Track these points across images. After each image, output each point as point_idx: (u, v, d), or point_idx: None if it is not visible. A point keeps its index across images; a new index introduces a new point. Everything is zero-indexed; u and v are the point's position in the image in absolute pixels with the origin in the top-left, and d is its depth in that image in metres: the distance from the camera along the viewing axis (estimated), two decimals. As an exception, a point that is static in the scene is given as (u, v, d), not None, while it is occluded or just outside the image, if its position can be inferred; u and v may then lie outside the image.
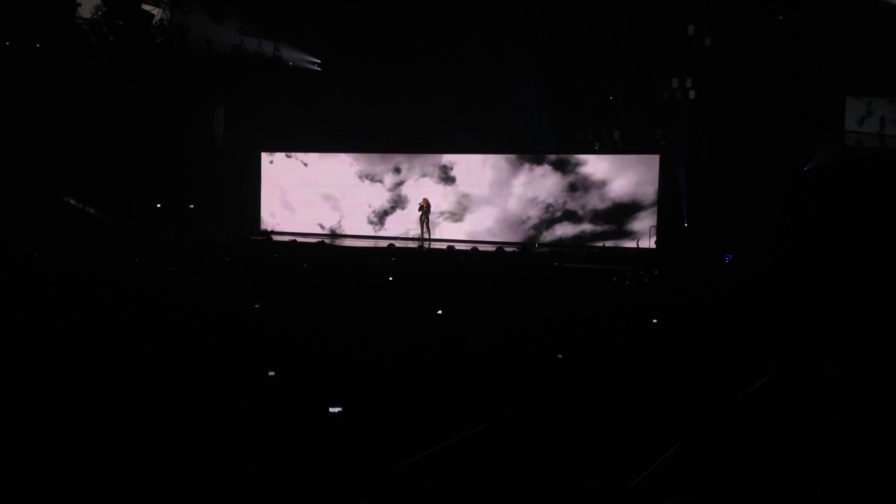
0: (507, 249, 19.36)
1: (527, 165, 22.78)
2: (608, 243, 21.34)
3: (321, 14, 24.70)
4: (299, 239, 22.01)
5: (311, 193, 25.27)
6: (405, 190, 24.16)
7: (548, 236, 22.34)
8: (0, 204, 19.88)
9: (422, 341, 8.09)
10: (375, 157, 24.69)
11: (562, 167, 22.35)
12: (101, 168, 21.97)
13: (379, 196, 24.56)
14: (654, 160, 21.35)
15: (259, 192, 26.12)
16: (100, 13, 21.83)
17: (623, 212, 21.50)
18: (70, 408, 3.74)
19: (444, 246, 20.54)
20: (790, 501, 3.05)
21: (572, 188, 22.18)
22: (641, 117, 22.24)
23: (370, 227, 24.58)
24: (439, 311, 10.12)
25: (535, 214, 22.61)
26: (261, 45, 25.34)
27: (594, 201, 21.90)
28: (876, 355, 4.89)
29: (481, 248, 19.44)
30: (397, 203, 24.30)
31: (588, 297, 12.32)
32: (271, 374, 6.41)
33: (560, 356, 8.08)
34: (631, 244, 20.87)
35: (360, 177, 24.82)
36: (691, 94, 22.29)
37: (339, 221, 25.04)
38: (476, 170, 23.30)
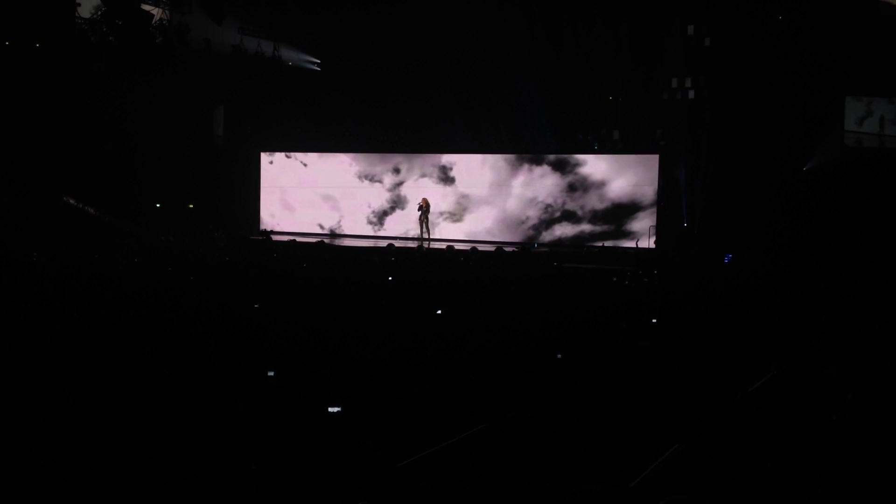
0: (507, 249, 19.35)
1: (526, 166, 22.78)
2: (607, 243, 21.34)
3: (321, 14, 24.70)
4: (299, 239, 22.00)
5: (311, 194, 25.27)
6: (404, 190, 24.16)
7: (547, 236, 22.34)
8: (-1, 204, 19.89)
9: (421, 341, 8.09)
10: (375, 157, 24.69)
11: (561, 167, 22.35)
12: (100, 168, 21.96)
13: (378, 196, 24.56)
14: (652, 160, 21.34)
15: (259, 192, 26.11)
16: (99, 13, 21.83)
17: (622, 212, 21.50)
18: (70, 408, 3.74)
19: (443, 246, 20.54)
20: (790, 501, 3.05)
21: (571, 188, 22.18)
22: (641, 117, 22.24)
23: (370, 227, 24.59)
24: (439, 312, 10.12)
25: (534, 215, 22.61)
26: (260, 45, 25.34)
27: (593, 202, 21.90)
28: (876, 355, 4.89)
29: (481, 248, 19.44)
30: (397, 203, 24.30)
31: (588, 298, 12.32)
32: (271, 374, 6.41)
33: (560, 356, 8.08)
34: (630, 244, 20.87)
35: (360, 177, 24.82)
36: (691, 94, 22.30)
37: (339, 222, 25.04)
38: (475, 170, 23.30)
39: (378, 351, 7.59)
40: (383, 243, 20.25)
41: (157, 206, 23.98)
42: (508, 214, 22.91)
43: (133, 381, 5.32)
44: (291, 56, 26.54)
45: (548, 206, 22.43)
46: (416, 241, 22.25)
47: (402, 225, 23.77)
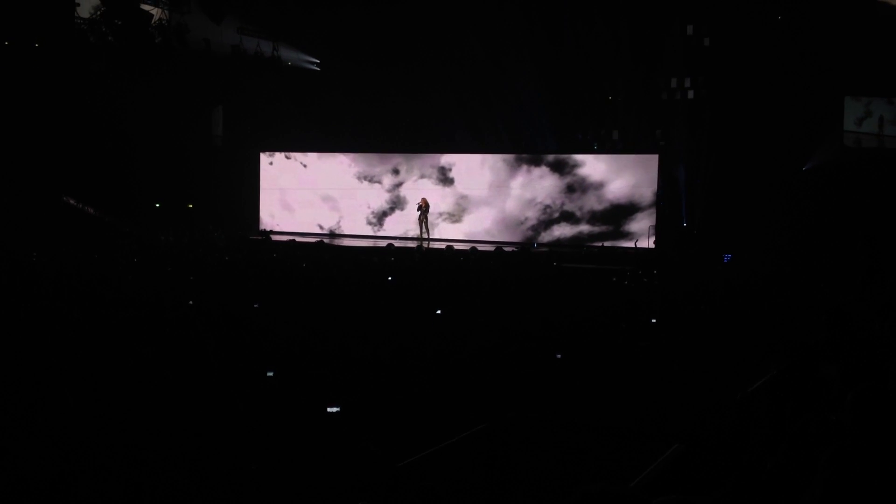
0: (506, 250, 19.35)
1: (525, 167, 22.78)
2: (606, 244, 21.35)
3: (320, 14, 24.69)
4: (298, 239, 22.00)
5: (310, 194, 25.27)
6: (404, 191, 24.16)
7: (546, 237, 22.34)
8: (-1, 204, 19.89)
9: (421, 341, 8.09)
10: (374, 158, 24.69)
11: (559, 168, 22.35)
12: (100, 168, 21.96)
13: (378, 197, 24.56)
14: (651, 162, 21.35)
15: (258, 192, 26.11)
16: (99, 13, 21.82)
17: (620, 213, 21.50)
18: (70, 408, 3.74)
19: (443, 246, 20.55)
20: (790, 502, 3.05)
21: (570, 189, 22.18)
22: (641, 117, 22.24)
23: (369, 227, 24.58)
24: (438, 312, 10.12)
25: (533, 215, 22.62)
26: (259, 45, 25.34)
27: (592, 202, 21.91)
28: (875, 355, 4.89)
29: (480, 248, 19.45)
30: (396, 204, 24.30)
31: (587, 298, 12.32)
32: (270, 374, 6.41)
33: (559, 356, 8.08)
34: (629, 245, 20.87)
35: (359, 178, 24.81)
36: (690, 94, 22.31)
37: (339, 222, 25.04)
38: (474, 171, 23.30)
39: (378, 351, 7.59)
40: (383, 243, 20.25)
41: (157, 206, 23.98)
42: (507, 215, 22.92)
43: (133, 381, 5.33)
44: (291, 56, 26.54)
45: (546, 206, 22.43)
46: (415, 242, 22.25)
47: (402, 225, 23.77)
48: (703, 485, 4.16)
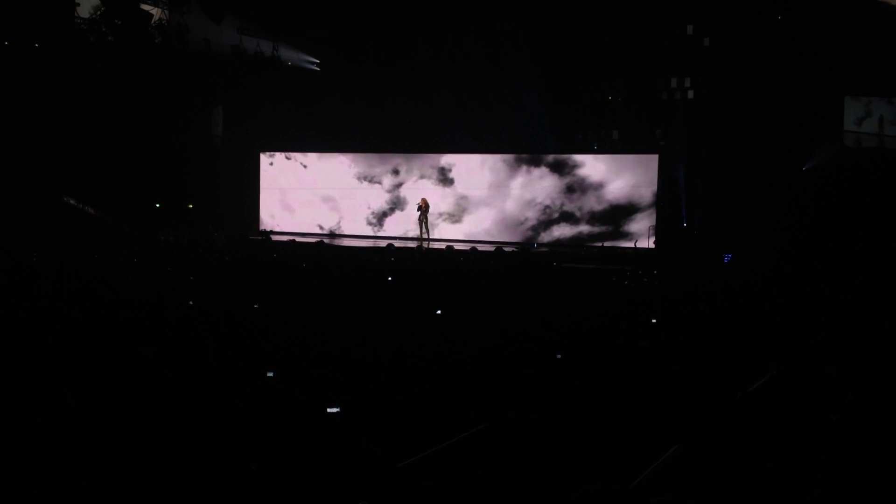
0: (506, 250, 19.35)
1: (524, 167, 22.79)
2: (606, 244, 21.35)
3: (320, 14, 24.69)
4: (298, 239, 22.00)
5: (311, 195, 25.27)
6: (404, 191, 24.16)
7: (545, 237, 22.35)
8: (-1, 204, 19.89)
9: (421, 341, 8.09)
10: (374, 158, 24.68)
11: (559, 169, 22.35)
12: (99, 168, 21.96)
13: (378, 197, 24.56)
14: (650, 162, 21.35)
15: (258, 192, 26.11)
16: (98, 13, 21.83)
17: (620, 213, 21.51)
18: (70, 408, 3.74)
19: (443, 246, 20.55)
20: (789, 502, 3.05)
21: (570, 190, 22.19)
22: (640, 117, 22.25)
23: (369, 228, 24.58)
24: (438, 312, 10.12)
25: (532, 216, 22.62)
26: (259, 45, 25.33)
27: (591, 203, 21.91)
28: (875, 355, 4.89)
29: (480, 248, 19.45)
30: (396, 204, 24.30)
31: (587, 298, 12.32)
32: (270, 374, 6.41)
33: (559, 356, 8.08)
34: (628, 245, 20.88)
35: (359, 178, 24.82)
36: (690, 94, 22.32)
37: (339, 222, 25.04)
38: (474, 171, 23.30)
39: (378, 351, 7.59)
40: (383, 244, 20.25)
41: (157, 206, 23.97)
42: (507, 215, 22.92)
43: (133, 381, 5.32)
44: (291, 56, 26.54)
45: (546, 207, 22.44)
46: (415, 242, 22.26)
47: (402, 226, 23.77)
48: (703, 485, 4.16)
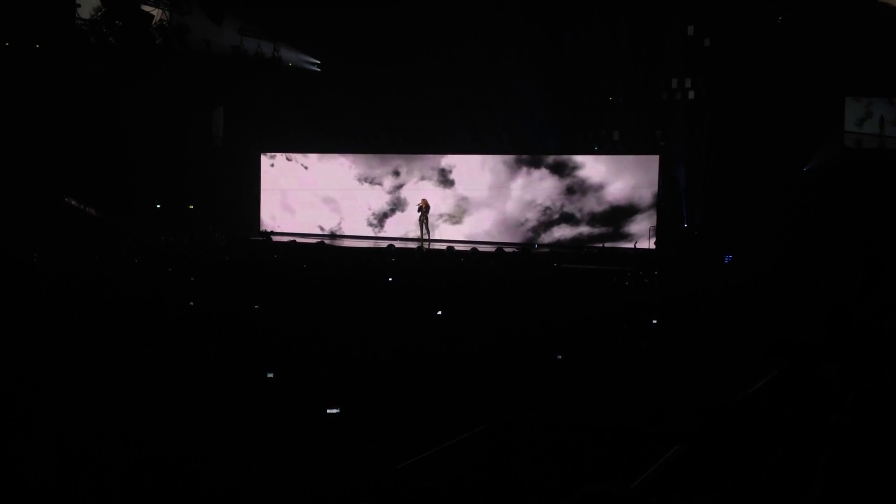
0: (507, 250, 19.35)
1: (524, 168, 22.79)
2: (606, 245, 21.35)
3: (320, 15, 24.68)
4: (299, 240, 22.01)
5: (311, 195, 25.28)
6: (404, 192, 24.16)
7: (546, 238, 22.35)
8: (-1, 204, 19.89)
9: (421, 342, 8.09)
10: (374, 160, 24.68)
11: (559, 170, 22.35)
12: (100, 169, 21.97)
13: (378, 198, 24.56)
14: (650, 163, 21.35)
15: (259, 193, 26.11)
16: (99, 14, 21.82)
17: (620, 214, 21.51)
18: (70, 408, 3.74)
19: (443, 247, 20.55)
20: (790, 502, 3.05)
21: (570, 191, 22.19)
22: (641, 118, 22.24)
23: (370, 229, 24.58)
24: (439, 312, 10.12)
25: (532, 217, 22.62)
26: (260, 46, 25.33)
27: (591, 204, 21.91)
28: (875, 356, 4.89)
29: (480, 248, 19.45)
30: (397, 206, 24.30)
31: (588, 298, 12.32)
32: (270, 375, 6.41)
33: (560, 357, 8.08)
34: (629, 246, 20.88)
35: (360, 180, 24.81)
36: (691, 95, 22.31)
37: (339, 223, 25.04)
38: (474, 173, 23.31)
39: (378, 351, 7.59)
40: (383, 244, 20.26)
41: (158, 206, 23.98)
42: (507, 216, 22.92)
43: (133, 382, 5.33)
44: (291, 57, 26.54)
45: (546, 208, 22.44)
46: (416, 242, 22.26)
47: (402, 226, 23.77)
48: (703, 485, 4.16)
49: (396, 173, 24.35)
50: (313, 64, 27.24)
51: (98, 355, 6.04)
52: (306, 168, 25.55)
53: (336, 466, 4.70)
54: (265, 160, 26.10)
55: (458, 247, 20.26)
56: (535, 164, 22.66)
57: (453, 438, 4.92)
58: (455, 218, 23.47)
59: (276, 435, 5.06)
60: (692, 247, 19.84)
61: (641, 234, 20.92)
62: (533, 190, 22.59)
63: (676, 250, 19.65)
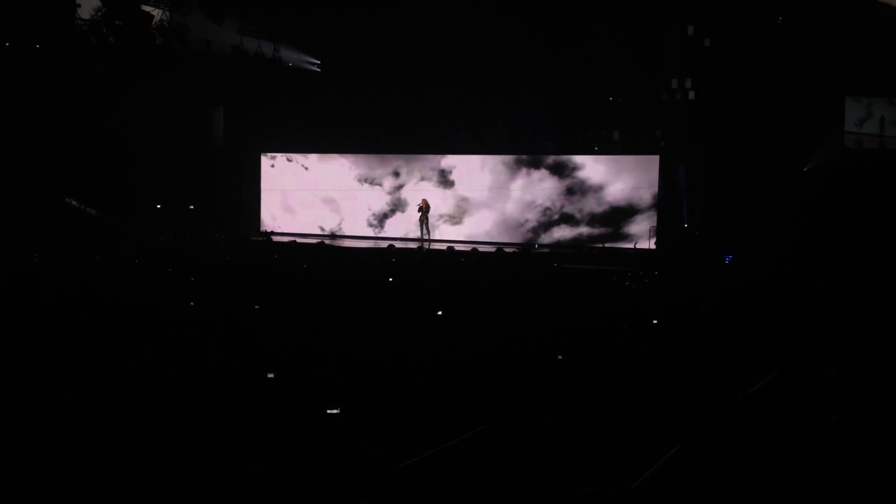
0: (507, 250, 19.34)
1: (524, 169, 22.79)
2: (606, 245, 21.34)
3: (321, 16, 24.68)
4: (299, 240, 22.00)
5: (311, 196, 25.28)
6: (404, 193, 24.16)
7: (545, 239, 22.34)
8: (-1, 205, 19.89)
9: (422, 342, 8.09)
10: (375, 161, 24.68)
11: (559, 171, 22.35)
12: (101, 169, 21.96)
13: (379, 199, 24.56)
14: (649, 163, 21.35)
15: (259, 193, 26.11)
16: (99, 14, 21.82)
17: (620, 215, 21.50)
18: (70, 408, 3.74)
19: (443, 247, 20.55)
20: (790, 503, 3.05)
21: (569, 192, 22.19)
22: (641, 118, 22.23)
23: (370, 229, 24.58)
24: (439, 312, 10.12)
25: (532, 218, 22.62)
26: (260, 46, 25.33)
27: (591, 205, 21.90)
28: (876, 356, 4.89)
29: (481, 248, 19.45)
30: (397, 206, 24.30)
31: (588, 298, 12.32)
32: (270, 376, 6.41)
33: (560, 357, 8.08)
34: (629, 246, 20.88)
35: (360, 180, 24.81)
36: (691, 95, 22.31)
37: (339, 224, 25.04)
38: (474, 173, 23.31)
39: (378, 352, 7.59)
40: (384, 244, 20.26)
41: (158, 207, 23.98)
42: (507, 217, 22.92)
43: (134, 382, 5.33)
44: (292, 57, 26.54)
45: (546, 209, 22.44)
46: (416, 243, 22.26)
47: (403, 227, 23.77)
48: (704, 486, 4.16)
49: (396, 174, 24.35)
50: (313, 64, 27.24)
51: (98, 355, 6.04)
52: (306, 168, 25.56)
53: (336, 466, 4.70)
54: (265, 160, 26.11)
55: (458, 247, 20.25)
56: (535, 164, 22.65)
57: (454, 439, 4.92)
58: (455, 219, 23.47)
59: (276, 435, 5.06)
60: (692, 247, 19.84)
61: (642, 235, 20.91)
62: (533, 191, 22.59)
63: (677, 250, 19.64)
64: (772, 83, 19.79)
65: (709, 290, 13.41)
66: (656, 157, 21.41)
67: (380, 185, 24.54)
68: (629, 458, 4.90)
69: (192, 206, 24.86)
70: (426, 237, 22.50)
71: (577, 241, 21.91)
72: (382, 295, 11.89)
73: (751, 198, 19.24)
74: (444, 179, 23.67)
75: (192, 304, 9.96)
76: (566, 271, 16.49)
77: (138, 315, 8.27)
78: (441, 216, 23.39)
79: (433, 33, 23.14)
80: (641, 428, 5.80)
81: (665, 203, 21.13)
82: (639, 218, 21.21)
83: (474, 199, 23.26)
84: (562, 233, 22.20)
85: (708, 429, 5.56)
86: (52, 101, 20.82)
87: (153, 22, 22.74)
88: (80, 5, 21.99)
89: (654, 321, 10.31)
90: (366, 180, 24.74)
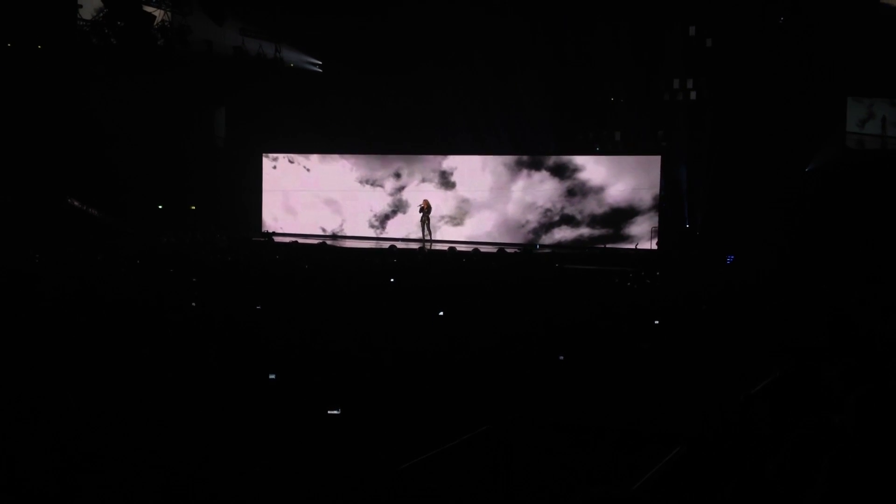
0: (509, 251, 19.34)
1: (525, 171, 22.79)
2: (607, 246, 21.33)
3: (322, 17, 24.68)
4: (301, 241, 22.01)
5: (313, 197, 25.29)
6: (406, 194, 24.17)
7: (546, 240, 22.34)
8: (1, 206, 19.89)
9: (423, 343, 8.08)
10: (376, 162, 24.69)
11: (560, 172, 22.34)
12: (102, 170, 21.97)
13: (380, 200, 24.57)
14: (649, 164, 21.35)
15: (260, 194, 26.12)
16: (101, 15, 21.84)
17: (620, 216, 21.50)
18: (70, 408, 3.74)
19: (445, 247, 20.55)
20: (792, 504, 3.04)
21: (570, 193, 22.18)
22: (643, 118, 22.23)
23: (371, 230, 24.59)
24: (441, 313, 10.11)
25: (533, 219, 22.62)
26: (262, 47, 25.34)
27: (592, 206, 21.90)
28: (877, 357, 4.88)
29: (482, 249, 19.44)
30: (398, 207, 24.31)
31: (590, 299, 12.31)
32: (272, 376, 6.41)
33: (561, 358, 8.07)
34: (630, 247, 20.87)
35: (361, 181, 24.82)
36: (692, 95, 22.29)
37: (341, 225, 25.05)
38: (475, 174, 23.32)
39: (379, 352, 7.58)
40: (385, 245, 20.26)
41: (159, 207, 23.99)
42: (509, 218, 22.92)
43: (134, 383, 5.32)
44: (293, 58, 26.54)
45: (547, 210, 22.44)
46: (417, 243, 22.26)
47: (404, 227, 23.77)
48: (706, 487, 4.15)
49: (398, 175, 24.35)
50: (315, 65, 27.25)
51: (99, 356, 6.04)
52: (308, 169, 25.57)
53: (337, 467, 4.70)
54: (267, 161, 26.12)
55: (459, 248, 20.26)
56: (536, 166, 22.65)
57: (455, 439, 4.91)
58: (456, 220, 23.47)
59: (277, 436, 5.05)
60: (694, 247, 19.83)
61: (643, 235, 20.91)
62: (534, 192, 22.59)
63: (678, 251, 19.63)
64: (773, 83, 19.78)
65: (710, 290, 13.40)
66: (657, 158, 21.41)
67: (381, 186, 24.55)
68: (630, 459, 4.90)
69: (193, 207, 24.88)
70: (427, 238, 22.49)
71: (577, 243, 21.91)
72: (384, 295, 11.88)
73: (752, 198, 19.23)
74: (446, 180, 23.67)
75: (193, 304, 9.95)
76: (567, 272, 16.48)
77: (139, 316, 8.27)
78: (442, 217, 23.39)
79: (434, 34, 23.13)
80: (643, 428, 5.79)
81: (666, 203, 21.12)
82: (640, 218, 21.21)
83: (475, 201, 23.26)
84: (563, 234, 22.21)
85: (709, 429, 5.55)
86: (53, 101, 20.84)
87: (155, 23, 22.76)
88: (81, 6, 22.00)
89: (656, 322, 10.30)
90: (367, 181, 24.75)
